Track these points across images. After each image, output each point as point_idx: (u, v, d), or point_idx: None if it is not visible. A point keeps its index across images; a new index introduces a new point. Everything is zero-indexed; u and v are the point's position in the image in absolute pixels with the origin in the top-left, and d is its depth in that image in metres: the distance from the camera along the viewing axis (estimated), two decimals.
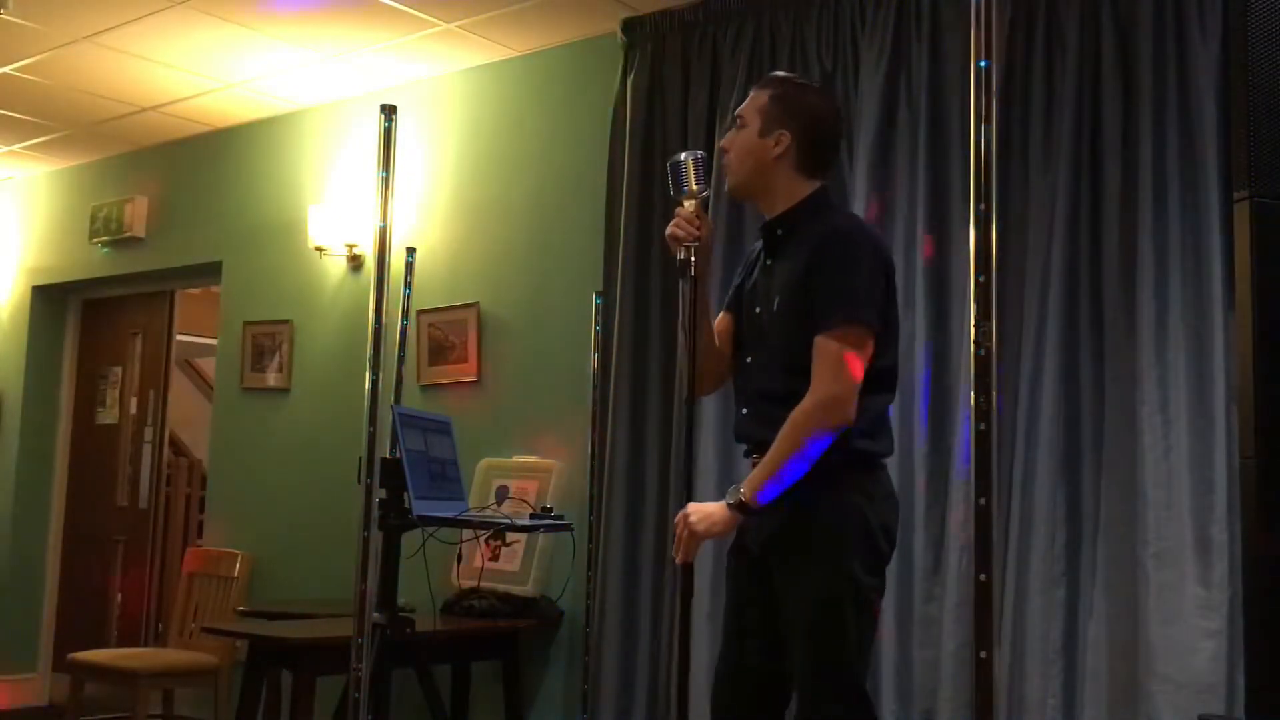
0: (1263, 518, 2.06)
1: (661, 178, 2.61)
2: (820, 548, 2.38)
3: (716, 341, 2.62)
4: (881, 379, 2.47)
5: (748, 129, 2.55)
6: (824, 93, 2.81)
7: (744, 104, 2.60)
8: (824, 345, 2.37)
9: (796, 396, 2.38)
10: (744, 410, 2.58)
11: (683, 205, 2.50)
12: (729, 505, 2.40)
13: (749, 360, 2.58)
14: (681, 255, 2.48)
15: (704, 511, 2.42)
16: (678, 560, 2.43)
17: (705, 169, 2.54)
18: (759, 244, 2.66)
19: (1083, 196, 3.30)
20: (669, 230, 2.49)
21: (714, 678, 2.59)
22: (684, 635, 2.39)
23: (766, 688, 2.50)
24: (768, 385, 2.51)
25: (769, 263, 2.57)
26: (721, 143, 2.66)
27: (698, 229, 2.46)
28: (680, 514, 2.44)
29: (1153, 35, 3.22)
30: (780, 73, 2.82)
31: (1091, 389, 3.25)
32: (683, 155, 2.53)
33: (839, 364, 2.35)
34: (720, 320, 2.67)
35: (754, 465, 2.49)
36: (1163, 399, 3.10)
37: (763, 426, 2.46)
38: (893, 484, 2.55)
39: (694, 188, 2.50)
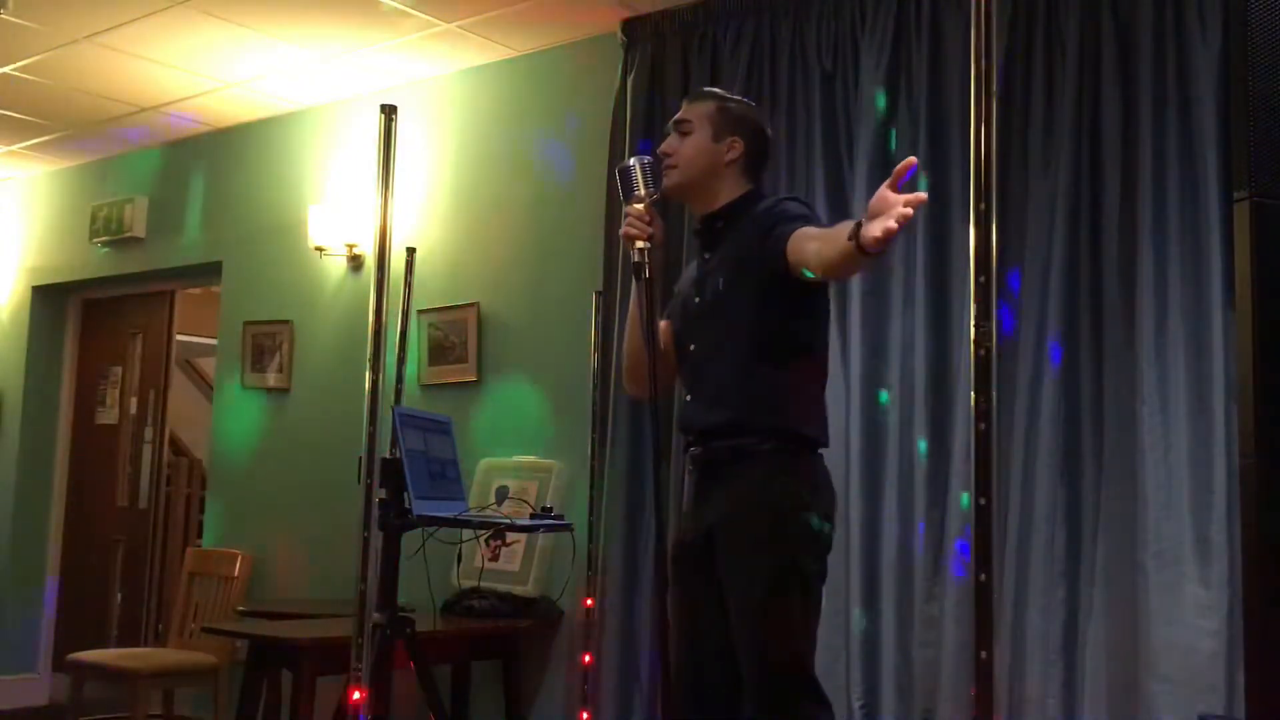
0: (1262, 518, 2.05)
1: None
2: (767, 537, 2.44)
3: (662, 344, 2.67)
4: (815, 361, 2.55)
5: (697, 134, 2.65)
6: (757, 108, 2.94)
7: (684, 112, 2.70)
8: (803, 229, 2.41)
9: (759, 378, 2.45)
10: (688, 397, 2.65)
11: (632, 206, 2.54)
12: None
13: (692, 348, 2.65)
14: (636, 258, 2.51)
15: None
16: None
17: (654, 173, 2.57)
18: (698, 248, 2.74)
19: (1083, 196, 3.30)
20: (622, 230, 2.54)
21: (676, 676, 2.55)
22: (661, 629, 2.38)
23: (729, 679, 2.50)
24: (719, 367, 2.56)
25: (707, 256, 2.68)
26: (663, 148, 2.70)
27: (649, 225, 2.52)
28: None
29: (1153, 35, 3.22)
30: (713, 89, 2.91)
31: (1091, 389, 3.25)
32: (631, 161, 2.58)
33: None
34: (663, 327, 2.73)
35: (692, 459, 2.58)
36: (1163, 399, 3.10)
37: (711, 410, 2.54)
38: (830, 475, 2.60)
39: (642, 192, 2.54)
